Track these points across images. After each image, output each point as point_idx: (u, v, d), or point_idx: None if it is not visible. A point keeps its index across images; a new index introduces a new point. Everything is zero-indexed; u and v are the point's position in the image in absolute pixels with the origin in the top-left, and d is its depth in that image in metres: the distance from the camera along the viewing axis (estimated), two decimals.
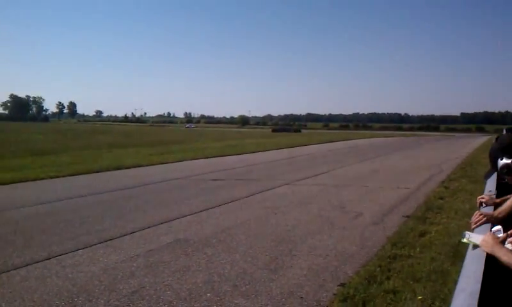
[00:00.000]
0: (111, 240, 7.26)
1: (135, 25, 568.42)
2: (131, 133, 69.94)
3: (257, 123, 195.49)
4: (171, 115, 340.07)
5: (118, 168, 18.07)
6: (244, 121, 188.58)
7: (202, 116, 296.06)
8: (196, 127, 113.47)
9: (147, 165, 19.51)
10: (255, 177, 15.41)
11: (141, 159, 21.82)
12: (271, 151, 29.49)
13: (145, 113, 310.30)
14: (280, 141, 45.21)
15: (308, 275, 5.67)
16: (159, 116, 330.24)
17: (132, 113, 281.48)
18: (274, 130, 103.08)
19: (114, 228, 8.01)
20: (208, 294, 5.05)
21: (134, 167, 18.80)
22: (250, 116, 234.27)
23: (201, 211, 9.54)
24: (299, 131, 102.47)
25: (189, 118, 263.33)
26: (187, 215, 9.11)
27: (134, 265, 6.03)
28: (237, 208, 9.90)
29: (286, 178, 14.93)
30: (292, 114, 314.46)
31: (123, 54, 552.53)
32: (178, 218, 8.86)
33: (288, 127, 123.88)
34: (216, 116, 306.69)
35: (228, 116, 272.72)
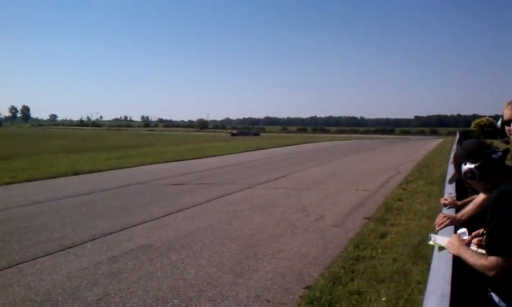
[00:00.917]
0: (72, 247, 7.14)
1: (88, 27, 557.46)
2: (87, 137, 68.52)
3: (216, 127, 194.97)
4: (128, 119, 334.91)
5: (76, 173, 17.69)
6: (202, 124, 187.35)
7: (160, 120, 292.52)
8: (236, 133, 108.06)
9: (106, 170, 19.16)
10: (216, 181, 15.38)
11: (99, 164, 21.38)
12: (230, 155, 29.48)
13: (101, 117, 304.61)
14: (240, 144, 45.27)
15: (273, 279, 5.72)
16: (116, 119, 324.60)
17: (88, 117, 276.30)
18: (233, 134, 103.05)
19: (75, 235, 7.86)
20: (175, 300, 5.04)
21: (92, 172, 18.44)
22: (209, 119, 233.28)
23: (163, 216, 9.47)
24: (258, 134, 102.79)
25: (146, 121, 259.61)
26: (148, 221, 9.02)
27: (98, 272, 5.94)
28: (200, 213, 9.87)
29: (247, 182, 14.97)
30: (250, 118, 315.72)
31: (77, 56, 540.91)
32: (140, 224, 8.77)
33: (247, 131, 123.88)
34: (174, 119, 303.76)
35: (186, 120, 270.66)
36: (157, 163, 22.83)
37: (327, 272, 5.92)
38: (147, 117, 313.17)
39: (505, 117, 3.22)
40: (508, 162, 2.61)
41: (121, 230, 8.24)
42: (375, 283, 5.41)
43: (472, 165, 2.38)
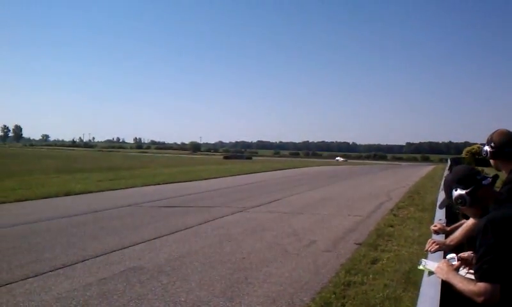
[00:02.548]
0: (62, 268, 7.08)
1: (83, 46, 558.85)
2: (79, 158, 68.37)
3: (208, 150, 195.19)
4: (121, 140, 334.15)
5: (67, 194, 17.60)
6: (195, 147, 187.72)
7: (152, 142, 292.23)
8: (346, 161, 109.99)
9: (97, 192, 19.08)
10: (208, 204, 15.34)
11: (90, 185, 21.29)
12: (223, 178, 29.46)
13: (93, 138, 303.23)
14: (232, 167, 45.24)
15: (264, 303, 5.70)
16: (108, 141, 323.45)
17: (80, 138, 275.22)
18: (226, 157, 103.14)
19: (65, 256, 7.80)
20: None
21: (83, 193, 18.35)
22: (201, 142, 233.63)
23: (153, 239, 9.42)
24: (251, 158, 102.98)
25: (138, 143, 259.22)
26: (139, 243, 8.97)
27: (88, 294, 5.89)
28: (191, 236, 9.83)
29: (239, 205, 14.95)
30: (243, 141, 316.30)
31: (70, 77, 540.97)
32: (130, 246, 8.72)
33: (240, 154, 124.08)
34: (166, 142, 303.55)
35: (179, 142, 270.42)
36: (148, 185, 22.75)
37: (318, 297, 5.91)
38: (139, 139, 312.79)
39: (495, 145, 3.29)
40: (497, 188, 2.65)
41: (111, 252, 8.19)
42: None
43: (463, 191, 2.42)
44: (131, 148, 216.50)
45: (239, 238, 9.62)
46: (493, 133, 3.36)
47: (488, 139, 3.39)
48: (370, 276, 6.79)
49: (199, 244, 9.01)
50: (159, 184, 23.51)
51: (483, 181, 2.41)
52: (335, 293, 5.97)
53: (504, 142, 3.27)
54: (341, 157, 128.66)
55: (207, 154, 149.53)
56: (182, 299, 5.78)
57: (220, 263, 7.55)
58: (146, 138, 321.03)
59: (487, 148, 3.38)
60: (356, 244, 9.23)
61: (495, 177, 2.50)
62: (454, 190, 2.47)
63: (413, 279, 6.15)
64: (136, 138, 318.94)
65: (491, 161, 3.42)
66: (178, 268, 7.24)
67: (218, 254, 8.24)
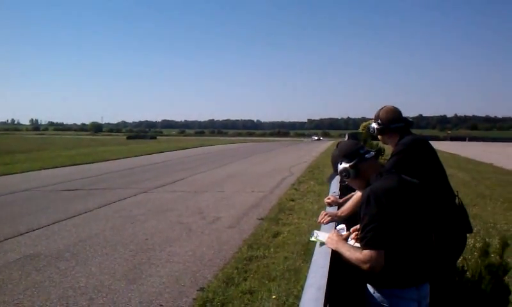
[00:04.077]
0: None
1: None
2: None
3: (111, 130, 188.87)
4: (16, 122, 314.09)
5: None
6: (96, 128, 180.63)
7: (50, 123, 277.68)
8: (320, 139, 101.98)
9: None
10: (110, 186, 14.90)
11: None
12: (126, 159, 28.70)
13: None
14: (136, 148, 44.23)
15: (167, 283, 5.67)
16: (1, 123, 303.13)
17: None
18: (129, 137, 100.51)
19: None
20: None
21: None
22: (103, 122, 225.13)
23: (52, 224, 9.02)
24: (155, 138, 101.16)
25: (35, 125, 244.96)
26: (36, 229, 8.56)
27: None
28: (92, 219, 9.52)
29: (143, 186, 14.68)
30: (147, 121, 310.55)
31: None
32: (26, 232, 8.30)
33: (144, 134, 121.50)
34: (65, 123, 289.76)
35: (79, 123, 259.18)
36: (47, 168, 21.66)
37: (221, 273, 5.99)
38: (36, 120, 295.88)
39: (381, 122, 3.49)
40: (381, 161, 2.81)
41: (5, 240, 7.76)
42: (267, 282, 5.56)
43: (347, 165, 2.53)
44: (27, 130, 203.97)
45: (142, 219, 9.46)
46: (380, 110, 3.55)
47: (375, 116, 3.58)
48: (272, 250, 6.99)
49: (100, 227, 8.75)
50: (57, 167, 22.45)
51: (366, 155, 2.53)
52: (237, 268, 6.09)
53: (389, 118, 3.47)
54: (315, 135, 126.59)
55: (109, 135, 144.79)
56: (82, 284, 5.60)
57: (122, 246, 7.40)
58: (44, 119, 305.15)
59: (374, 125, 3.57)
60: (259, 219, 9.43)
61: (379, 151, 2.65)
62: (339, 164, 2.57)
63: (312, 250, 6.38)
64: (32, 119, 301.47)
65: (379, 136, 3.62)
66: (77, 253, 7.00)
67: (120, 236, 8.06)
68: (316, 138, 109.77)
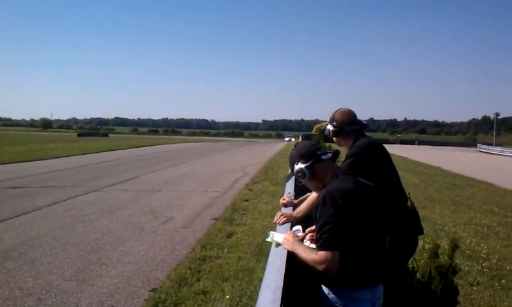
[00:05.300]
0: None
1: None
2: None
3: (61, 127, 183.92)
4: None
5: None
6: (46, 124, 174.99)
7: None
8: (292, 140, 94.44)
9: None
10: (60, 184, 14.47)
11: None
12: (76, 157, 27.98)
13: None
14: (86, 145, 43.19)
15: (118, 284, 5.56)
16: None
17: None
18: (80, 135, 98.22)
19: None
20: None
21: None
22: (53, 118, 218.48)
23: None
24: (107, 135, 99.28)
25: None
26: None
27: None
28: (40, 218, 9.22)
29: (93, 185, 14.33)
30: (99, 118, 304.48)
31: None
32: None
33: (95, 131, 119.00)
34: (13, 118, 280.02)
35: (27, 119, 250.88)
36: None
37: (173, 273, 5.92)
38: None
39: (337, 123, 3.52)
40: (338, 163, 2.83)
41: None
42: (220, 282, 5.54)
43: (303, 165, 2.53)
44: None
45: (93, 219, 9.24)
46: (335, 112, 3.58)
47: (330, 118, 3.61)
48: (225, 250, 6.97)
49: (49, 226, 8.48)
50: (4, 163, 21.67)
51: (322, 157, 2.54)
52: (190, 269, 6.04)
53: (345, 121, 3.51)
54: (292, 136, 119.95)
55: (59, 131, 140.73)
56: (29, 285, 5.42)
57: (72, 245, 7.20)
58: None
59: (329, 126, 3.60)
60: (213, 219, 9.39)
61: (336, 153, 2.66)
62: (295, 164, 2.57)
63: (266, 251, 6.39)
64: None
65: (334, 138, 3.65)
66: (25, 252, 6.77)
67: (70, 236, 7.84)
68: (287, 139, 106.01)
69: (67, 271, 5.98)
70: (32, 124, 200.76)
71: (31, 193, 12.51)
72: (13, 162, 22.36)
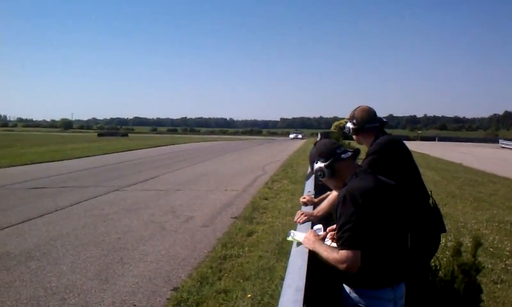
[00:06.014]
0: None
1: None
2: None
3: (81, 127, 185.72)
4: None
5: None
6: (66, 125, 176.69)
7: (19, 119, 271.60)
8: (302, 138, 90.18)
9: None
10: (81, 184, 14.66)
11: None
12: (97, 157, 28.25)
13: None
14: (106, 145, 43.60)
15: (140, 283, 5.62)
16: None
17: None
18: (100, 135, 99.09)
19: None
20: None
21: None
22: (73, 119, 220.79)
23: (21, 222, 8.85)
24: (127, 135, 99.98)
25: (3, 121, 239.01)
26: (5, 228, 8.39)
27: None
28: (63, 218, 9.35)
29: (114, 184, 14.49)
30: (118, 118, 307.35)
31: None
32: None
33: (115, 131, 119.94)
34: (35, 119, 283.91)
35: (48, 119, 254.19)
36: (15, 165, 21.15)
37: (195, 272, 5.96)
38: (5, 116, 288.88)
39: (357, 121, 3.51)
40: (358, 161, 2.82)
41: None
42: (241, 281, 5.56)
43: (322, 164, 2.53)
44: None
45: (114, 218, 9.35)
46: (355, 110, 3.57)
47: (350, 116, 3.60)
48: (246, 249, 6.99)
49: (71, 226, 8.61)
50: (26, 164, 21.95)
51: (342, 155, 2.54)
52: (211, 268, 6.07)
53: (365, 118, 3.49)
54: (294, 132, 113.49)
55: (80, 132, 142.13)
56: (53, 284, 5.51)
57: (94, 245, 7.30)
58: (12, 115, 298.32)
59: (349, 124, 3.59)
60: (233, 218, 9.42)
61: (356, 151, 2.65)
62: (315, 163, 2.57)
63: (286, 250, 6.41)
64: (0, 115, 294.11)
65: (354, 136, 3.64)
66: (48, 252, 6.88)
67: (92, 235, 7.94)
68: (293, 136, 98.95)
69: (90, 270, 6.06)
70: (53, 125, 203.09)
71: (53, 193, 12.69)
72: (34, 163, 22.66)
